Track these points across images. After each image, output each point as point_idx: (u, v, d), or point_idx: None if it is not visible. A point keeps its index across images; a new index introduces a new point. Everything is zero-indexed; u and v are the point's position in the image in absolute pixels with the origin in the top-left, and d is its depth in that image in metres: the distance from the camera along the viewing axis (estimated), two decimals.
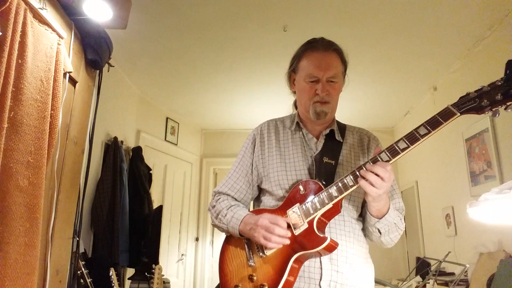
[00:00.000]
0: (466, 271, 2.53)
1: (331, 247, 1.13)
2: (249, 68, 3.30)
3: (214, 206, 1.37)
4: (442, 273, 2.89)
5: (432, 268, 2.88)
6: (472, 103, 1.04)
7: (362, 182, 1.07)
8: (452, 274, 2.88)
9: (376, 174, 1.05)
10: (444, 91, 3.39)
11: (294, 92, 1.44)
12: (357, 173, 1.11)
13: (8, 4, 1.23)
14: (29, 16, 1.38)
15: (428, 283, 2.70)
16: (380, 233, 1.23)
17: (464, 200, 2.85)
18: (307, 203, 1.18)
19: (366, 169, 1.08)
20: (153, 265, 2.58)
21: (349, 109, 4.06)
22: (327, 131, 1.36)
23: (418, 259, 3.63)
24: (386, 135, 4.70)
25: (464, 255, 2.89)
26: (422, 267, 3.21)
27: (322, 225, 1.18)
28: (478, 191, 2.73)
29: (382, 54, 3.03)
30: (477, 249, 2.59)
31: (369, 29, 2.68)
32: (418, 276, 3.09)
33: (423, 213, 3.93)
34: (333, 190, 1.15)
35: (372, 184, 1.06)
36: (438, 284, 2.72)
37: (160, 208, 3.58)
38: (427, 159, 3.68)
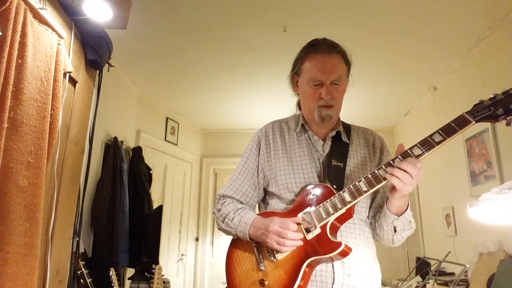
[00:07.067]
0: (466, 271, 2.53)
1: (345, 253, 1.13)
2: (249, 68, 3.30)
3: (219, 210, 1.34)
4: (442, 273, 2.89)
5: (432, 268, 2.88)
6: (487, 111, 1.04)
7: (394, 180, 1.06)
8: (452, 274, 2.88)
9: (405, 171, 1.05)
10: (444, 91, 3.39)
11: (298, 94, 1.42)
12: (370, 178, 1.11)
13: (8, 4, 1.23)
14: (29, 16, 1.37)
15: (428, 283, 2.70)
16: (395, 231, 1.21)
17: (464, 200, 2.84)
18: (319, 207, 1.17)
19: (397, 166, 1.06)
20: (153, 265, 2.58)
21: (349, 109, 4.05)
22: (334, 133, 1.35)
23: (418, 259, 3.63)
24: (386, 135, 4.68)
25: (464, 255, 2.89)
26: (422, 267, 3.21)
27: (334, 229, 1.18)
28: (478, 191, 2.73)
29: (382, 54, 3.03)
30: (477, 249, 2.59)
31: (369, 29, 2.68)
32: (418, 276, 3.09)
33: (423, 213, 3.93)
34: (346, 195, 1.14)
35: (403, 182, 1.05)
36: (438, 284, 2.72)
37: (160, 208, 3.58)
38: (427, 159, 3.65)
